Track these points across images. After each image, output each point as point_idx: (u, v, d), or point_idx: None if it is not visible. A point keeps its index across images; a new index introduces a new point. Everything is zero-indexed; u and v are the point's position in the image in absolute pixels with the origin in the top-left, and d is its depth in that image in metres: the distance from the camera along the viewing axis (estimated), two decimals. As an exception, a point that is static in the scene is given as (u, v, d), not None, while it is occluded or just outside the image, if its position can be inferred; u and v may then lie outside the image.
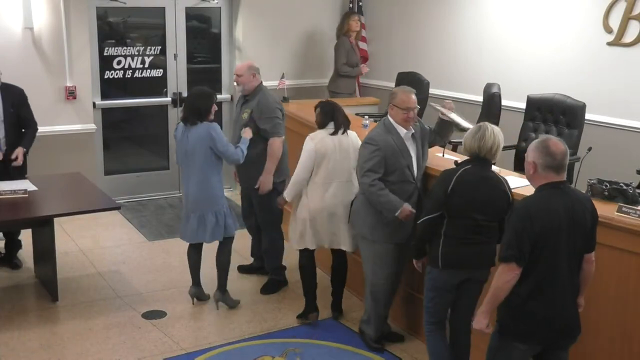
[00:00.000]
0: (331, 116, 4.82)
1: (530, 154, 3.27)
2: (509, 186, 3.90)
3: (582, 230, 3.23)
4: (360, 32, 7.90)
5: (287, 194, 4.88)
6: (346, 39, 7.70)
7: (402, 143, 4.35)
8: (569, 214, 3.18)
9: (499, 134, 3.83)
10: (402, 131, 4.38)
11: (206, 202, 4.90)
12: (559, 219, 3.16)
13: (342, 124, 4.82)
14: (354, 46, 7.76)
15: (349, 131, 4.84)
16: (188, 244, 5.12)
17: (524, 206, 3.22)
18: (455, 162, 4.03)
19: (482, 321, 3.30)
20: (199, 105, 4.85)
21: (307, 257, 4.91)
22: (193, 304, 5.15)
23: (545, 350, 3.30)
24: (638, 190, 3.83)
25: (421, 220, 3.93)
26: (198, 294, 5.18)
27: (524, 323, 3.23)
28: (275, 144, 5.22)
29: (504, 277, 3.17)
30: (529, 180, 3.35)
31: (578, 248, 3.24)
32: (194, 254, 5.12)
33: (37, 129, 5.69)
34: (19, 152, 5.47)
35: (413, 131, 4.43)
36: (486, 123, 3.92)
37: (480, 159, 3.82)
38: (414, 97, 4.40)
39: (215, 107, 4.91)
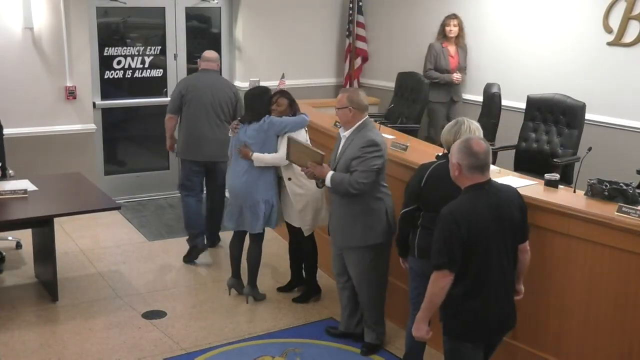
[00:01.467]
0: (296, 106, 5.12)
1: (455, 156, 3.26)
2: None
3: (511, 226, 3.27)
4: (460, 37, 7.13)
5: (259, 161, 4.97)
6: (437, 43, 7.14)
7: (339, 139, 4.53)
8: (496, 213, 3.21)
9: (475, 129, 3.78)
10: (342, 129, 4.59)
11: (251, 194, 5.00)
12: (485, 220, 3.18)
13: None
14: (445, 51, 7.10)
15: None
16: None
17: (449, 212, 3.19)
18: (437, 156, 4.05)
19: (421, 328, 3.32)
20: (257, 105, 5.01)
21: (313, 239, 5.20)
22: (229, 294, 5.27)
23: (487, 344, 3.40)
24: (638, 190, 3.83)
25: (400, 213, 4.01)
26: (235, 286, 5.29)
27: (463, 323, 3.27)
28: (165, 119, 5.98)
29: (438, 284, 3.19)
30: (456, 181, 3.33)
31: (510, 244, 3.28)
32: (236, 245, 5.23)
33: (2, 133, 5.61)
34: None
35: (345, 132, 4.47)
36: (463, 118, 3.88)
37: None
38: (339, 96, 4.50)
39: (273, 101, 5.07)
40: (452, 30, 7.09)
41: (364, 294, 4.56)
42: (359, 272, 4.49)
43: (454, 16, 7.14)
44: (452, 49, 7.13)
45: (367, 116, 4.46)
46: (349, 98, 4.40)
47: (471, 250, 3.16)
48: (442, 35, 7.15)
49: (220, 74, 6.53)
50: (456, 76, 7.06)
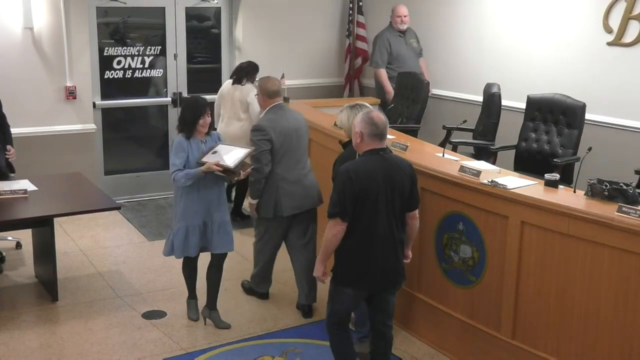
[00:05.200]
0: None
1: (358, 126, 3.71)
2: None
3: (400, 192, 3.71)
4: None
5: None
6: None
7: None
8: (387, 177, 3.66)
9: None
10: None
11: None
12: (376, 181, 3.64)
13: None
14: None
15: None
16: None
17: (346, 169, 3.67)
18: (343, 143, 4.51)
19: (319, 269, 3.82)
20: (183, 114, 4.59)
21: None
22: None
23: (373, 294, 3.83)
24: (638, 190, 3.83)
25: None
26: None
27: (351, 272, 3.73)
28: None
29: (331, 231, 3.67)
30: (357, 148, 3.79)
31: (398, 207, 3.72)
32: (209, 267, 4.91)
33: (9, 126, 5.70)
34: (12, 150, 5.56)
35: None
36: (358, 103, 4.31)
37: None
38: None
39: (202, 120, 4.52)
40: None
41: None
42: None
43: None
44: None
45: (280, 102, 4.92)
46: (259, 85, 4.98)
47: (362, 203, 3.61)
48: None
49: None
50: None
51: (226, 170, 4.50)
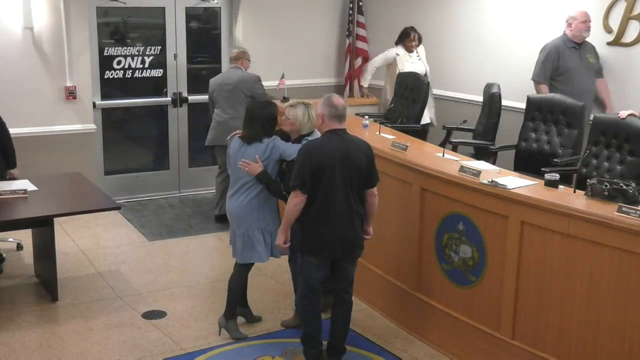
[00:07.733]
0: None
1: (319, 108, 4.12)
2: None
3: (357, 169, 4.06)
4: None
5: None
6: None
7: None
8: (344, 154, 4.02)
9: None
10: None
11: (244, 219, 4.51)
12: (333, 157, 4.00)
13: None
14: None
15: None
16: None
17: (306, 146, 4.09)
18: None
19: (280, 238, 4.20)
20: (271, 115, 4.50)
21: None
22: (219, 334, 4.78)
23: (335, 261, 4.17)
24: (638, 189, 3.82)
25: None
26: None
27: (312, 241, 4.10)
28: None
29: (292, 202, 4.05)
30: (320, 129, 4.20)
31: (356, 183, 4.07)
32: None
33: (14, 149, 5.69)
34: (16, 173, 5.62)
35: None
36: (298, 100, 4.55)
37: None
38: None
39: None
40: None
41: None
42: None
43: None
44: None
45: (234, 64, 6.67)
46: None
47: (319, 177, 3.98)
48: None
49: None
50: None
51: None
